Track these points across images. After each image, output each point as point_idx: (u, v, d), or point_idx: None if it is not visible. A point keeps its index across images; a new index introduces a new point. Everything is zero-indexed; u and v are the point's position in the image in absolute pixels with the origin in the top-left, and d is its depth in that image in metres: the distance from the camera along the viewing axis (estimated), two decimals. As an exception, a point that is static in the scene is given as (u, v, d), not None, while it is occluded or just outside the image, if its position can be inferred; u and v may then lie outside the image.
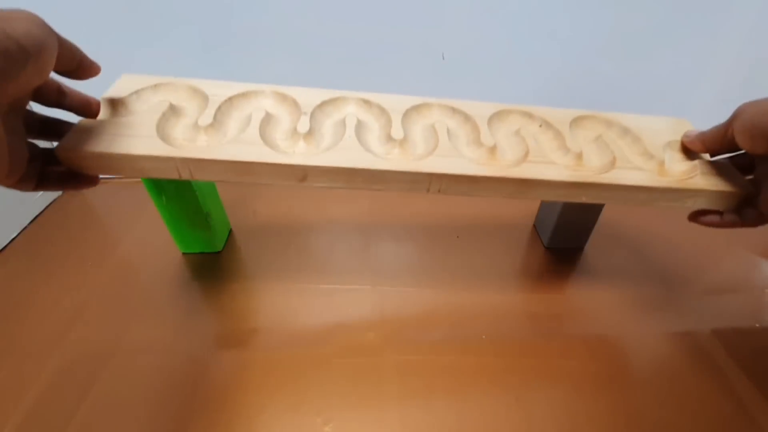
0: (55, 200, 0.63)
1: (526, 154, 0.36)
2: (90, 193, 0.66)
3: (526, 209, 0.60)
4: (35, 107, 0.31)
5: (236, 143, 0.32)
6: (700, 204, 0.36)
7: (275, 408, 0.36)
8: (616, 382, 0.39)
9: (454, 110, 0.39)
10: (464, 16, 0.55)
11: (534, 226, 0.59)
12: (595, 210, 0.50)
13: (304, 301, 0.47)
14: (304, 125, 0.34)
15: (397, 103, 0.38)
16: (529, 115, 0.39)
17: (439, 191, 0.34)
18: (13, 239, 0.55)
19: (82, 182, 0.31)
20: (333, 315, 0.45)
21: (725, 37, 0.58)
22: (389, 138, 0.35)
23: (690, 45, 0.59)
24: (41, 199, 0.61)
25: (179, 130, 0.33)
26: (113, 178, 0.68)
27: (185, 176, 0.32)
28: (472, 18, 0.55)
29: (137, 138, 0.31)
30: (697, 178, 0.35)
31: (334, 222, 0.59)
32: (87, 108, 0.31)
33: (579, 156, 0.36)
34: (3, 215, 0.55)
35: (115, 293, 0.48)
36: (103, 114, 0.32)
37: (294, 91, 0.37)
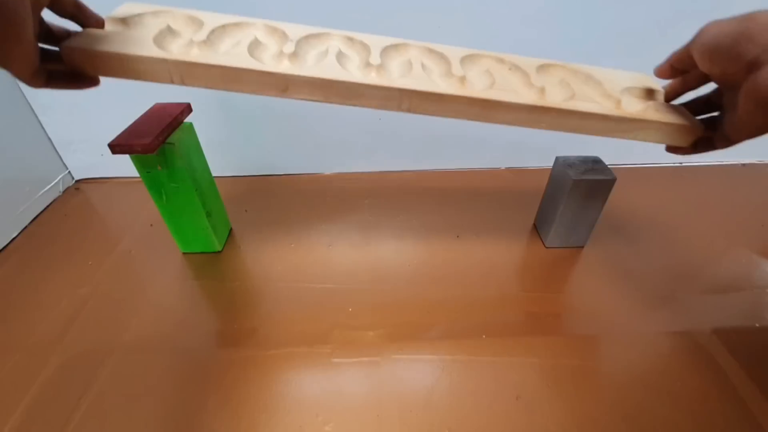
0: (56, 199, 0.64)
1: (493, 83, 0.39)
2: (91, 193, 0.66)
3: (526, 209, 0.60)
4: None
5: (226, 55, 0.35)
6: (653, 137, 0.39)
7: (275, 407, 0.37)
8: (616, 381, 0.39)
9: (431, 51, 0.41)
10: (464, 15, 0.55)
11: (534, 225, 0.59)
12: (595, 210, 0.50)
13: (304, 300, 0.47)
14: (289, 48, 0.37)
15: (378, 41, 0.41)
16: (500, 60, 0.42)
17: (408, 109, 0.37)
18: (14, 238, 0.56)
19: (84, 82, 0.34)
20: (332, 314, 0.45)
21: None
22: (367, 64, 0.37)
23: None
24: (42, 197, 0.61)
25: (175, 45, 0.36)
26: (114, 177, 0.69)
27: (177, 81, 0.34)
28: (472, 17, 0.55)
29: (136, 44, 0.33)
30: (648, 112, 0.38)
31: (334, 221, 0.59)
32: (97, 25, 0.35)
33: (542, 90, 0.38)
34: (4, 214, 0.55)
35: (115, 292, 0.48)
36: (106, 28, 0.35)
37: (283, 25, 0.40)
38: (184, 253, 0.53)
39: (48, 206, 0.62)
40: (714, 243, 0.55)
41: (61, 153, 0.65)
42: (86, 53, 0.32)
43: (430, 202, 0.64)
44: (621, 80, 0.42)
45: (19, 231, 0.57)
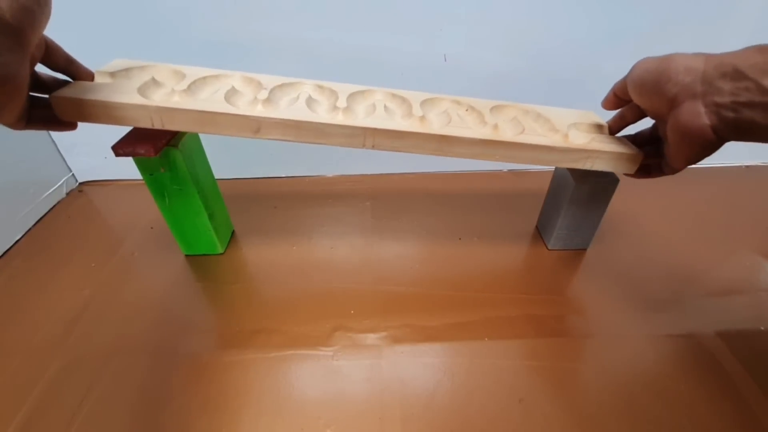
0: (59, 202, 0.64)
1: (450, 122, 0.42)
2: (94, 195, 0.66)
3: (528, 211, 0.60)
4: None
5: (203, 101, 0.38)
6: (599, 165, 0.42)
7: (277, 409, 0.36)
8: (619, 384, 0.39)
9: (394, 95, 0.45)
10: (467, 18, 0.55)
11: (537, 227, 0.58)
12: (598, 212, 0.50)
13: (306, 302, 0.47)
14: (263, 95, 0.40)
15: (346, 87, 0.44)
16: (457, 102, 0.46)
17: (373, 146, 0.40)
18: (18, 240, 0.56)
19: (63, 125, 0.36)
20: (335, 316, 0.45)
21: (727, 38, 0.58)
22: (334, 107, 0.40)
23: (692, 45, 0.59)
24: (46, 200, 0.62)
25: (157, 95, 0.39)
26: (117, 180, 0.69)
27: (157, 125, 0.37)
28: (474, 20, 0.55)
29: (120, 93, 0.36)
30: (593, 143, 0.42)
31: (336, 223, 0.59)
32: (87, 78, 0.37)
33: (495, 126, 0.42)
34: (7, 216, 0.55)
35: (118, 294, 0.48)
36: (96, 80, 0.38)
37: (259, 76, 0.43)
38: (186, 255, 0.53)
39: (51, 208, 0.62)
40: (717, 245, 0.55)
41: (64, 155, 0.65)
42: (73, 102, 0.35)
43: (432, 205, 0.64)
44: (568, 117, 0.46)
45: (22, 233, 0.57)
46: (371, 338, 0.43)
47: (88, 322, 0.44)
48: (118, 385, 0.38)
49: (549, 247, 0.54)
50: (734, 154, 0.72)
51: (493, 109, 0.46)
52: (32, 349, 0.42)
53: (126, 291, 0.48)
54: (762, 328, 0.44)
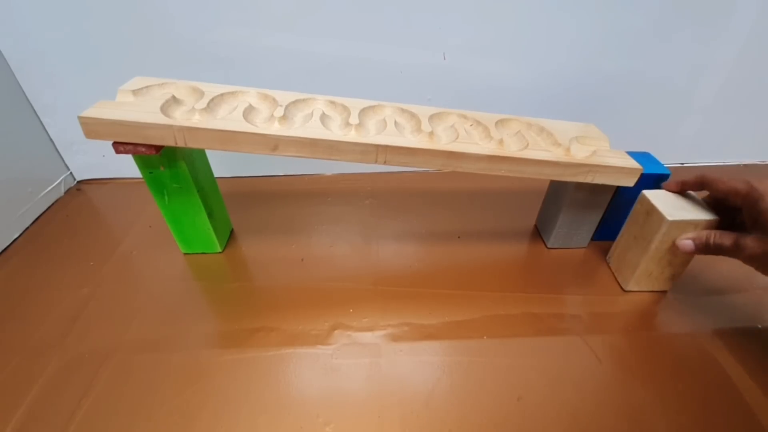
0: (57, 200, 0.64)
1: (457, 137, 0.44)
2: (92, 193, 0.66)
3: (528, 210, 0.60)
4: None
5: (223, 120, 0.40)
6: (600, 179, 0.44)
7: (277, 408, 0.36)
8: (618, 383, 0.39)
9: (403, 110, 0.47)
10: (466, 17, 0.55)
11: (536, 226, 0.58)
12: (597, 211, 0.50)
13: (305, 301, 0.47)
14: (279, 113, 0.41)
15: (357, 103, 0.46)
16: (464, 116, 0.48)
17: (385, 162, 0.42)
18: (16, 239, 0.56)
19: None
20: (333, 315, 0.45)
21: (726, 37, 0.58)
22: (347, 124, 0.42)
23: (691, 44, 0.59)
24: (44, 198, 0.61)
25: (178, 112, 0.40)
26: (116, 178, 0.69)
27: (180, 143, 0.39)
28: (473, 19, 0.55)
29: (145, 113, 0.38)
30: (594, 157, 0.44)
31: (335, 222, 0.59)
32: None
33: (500, 141, 0.44)
34: (6, 215, 0.55)
35: (116, 292, 0.48)
36: (117, 99, 0.40)
37: (274, 92, 0.45)
38: (185, 254, 0.53)
39: (50, 207, 0.62)
40: (716, 244, 0.55)
41: (62, 154, 0.65)
42: (102, 122, 0.37)
43: (431, 203, 0.64)
44: (570, 131, 0.48)
45: (20, 232, 0.57)
46: (370, 336, 0.43)
47: (87, 320, 0.44)
48: (117, 384, 0.38)
49: (548, 246, 0.55)
50: (732, 152, 0.72)
51: (498, 123, 0.47)
52: (31, 348, 0.41)
53: (124, 290, 0.48)
54: (759, 327, 0.44)
